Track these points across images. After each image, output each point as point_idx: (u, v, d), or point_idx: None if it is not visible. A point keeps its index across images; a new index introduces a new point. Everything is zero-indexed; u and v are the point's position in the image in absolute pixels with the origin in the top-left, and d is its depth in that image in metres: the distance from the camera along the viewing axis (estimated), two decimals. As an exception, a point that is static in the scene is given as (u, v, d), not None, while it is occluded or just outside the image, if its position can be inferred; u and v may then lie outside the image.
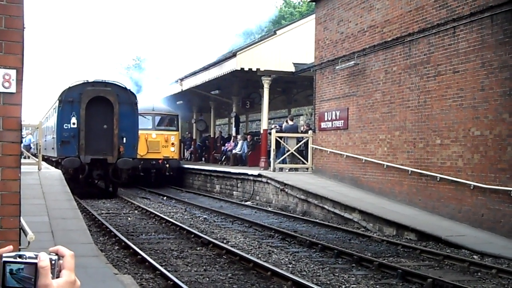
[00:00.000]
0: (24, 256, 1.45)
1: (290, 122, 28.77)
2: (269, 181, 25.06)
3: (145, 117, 33.29)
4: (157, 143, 33.82)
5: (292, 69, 28.79)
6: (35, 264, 1.45)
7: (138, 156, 31.26)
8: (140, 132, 31.11)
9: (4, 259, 1.45)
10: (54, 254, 1.50)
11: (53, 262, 1.47)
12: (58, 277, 1.48)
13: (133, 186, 32.89)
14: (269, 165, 27.20)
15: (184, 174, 36.09)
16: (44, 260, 1.45)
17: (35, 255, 1.46)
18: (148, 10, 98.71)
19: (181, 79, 39.42)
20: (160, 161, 33.51)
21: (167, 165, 33.62)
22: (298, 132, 28.69)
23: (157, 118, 34.94)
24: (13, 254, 1.45)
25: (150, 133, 33.73)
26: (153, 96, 40.31)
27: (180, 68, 40.37)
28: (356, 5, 23.08)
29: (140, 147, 31.87)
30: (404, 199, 19.70)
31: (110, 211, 22.25)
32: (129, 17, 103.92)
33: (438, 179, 18.12)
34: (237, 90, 35.99)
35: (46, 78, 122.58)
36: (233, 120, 41.10)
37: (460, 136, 17.36)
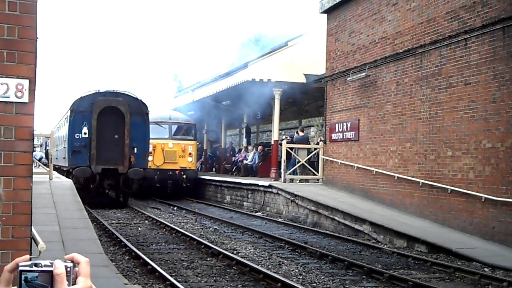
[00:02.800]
0: (40, 264, 1.46)
1: (301, 133, 28.74)
2: (279, 192, 25.04)
3: (161, 126, 32.86)
4: (174, 153, 32.87)
5: (303, 80, 28.79)
6: (51, 272, 1.46)
7: (154, 167, 31.14)
8: (156, 141, 31.27)
9: (20, 268, 1.46)
10: (69, 261, 1.51)
11: (68, 269, 1.49)
12: (74, 284, 1.49)
13: (149, 198, 32.44)
14: (280, 176, 27.17)
15: (201, 185, 35.23)
16: (59, 267, 1.46)
17: (50, 263, 1.47)
18: (160, 21, 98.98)
19: (193, 89, 39.44)
20: (177, 171, 32.58)
21: (184, 176, 32.64)
22: (308, 143, 28.65)
23: (174, 127, 33.95)
24: (29, 262, 1.47)
25: (167, 142, 32.91)
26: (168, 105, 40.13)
27: (193, 77, 40.45)
28: (367, 16, 23.10)
29: (157, 157, 32.05)
30: (415, 211, 19.64)
31: (121, 221, 22.28)
32: (141, 26, 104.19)
33: (449, 191, 18.06)
34: (248, 100, 35.93)
35: (58, 88, 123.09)
36: (244, 131, 41.10)
37: (471, 148, 17.31)
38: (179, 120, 34.89)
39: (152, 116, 31.90)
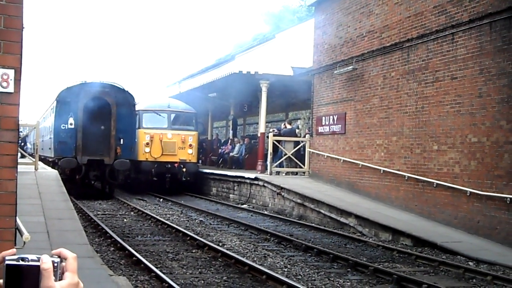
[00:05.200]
0: (27, 259, 1.45)
1: (288, 126, 28.73)
2: (265, 184, 25.05)
3: (159, 115, 30.98)
4: (173, 144, 30.42)
5: (291, 72, 28.75)
6: (38, 266, 1.45)
7: (151, 159, 29.96)
8: (154, 131, 30.25)
9: (6, 262, 1.45)
10: (56, 256, 1.50)
11: (55, 264, 1.47)
12: (61, 279, 1.48)
13: (146, 193, 30.44)
14: (266, 169, 27.19)
15: (201, 180, 32.71)
16: (46, 262, 1.45)
17: (37, 257, 1.46)
18: (149, 11, 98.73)
19: (180, 81, 39.28)
20: (176, 164, 30.16)
21: (184, 169, 30.23)
22: (296, 136, 28.66)
23: (173, 116, 31.51)
24: (15, 257, 1.45)
25: (166, 133, 30.50)
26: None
27: (179, 69, 40.16)
28: (355, 10, 23.11)
29: (154, 149, 30.22)
30: (401, 205, 19.71)
31: (106, 212, 22.21)
32: (127, 16, 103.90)
33: (434, 185, 18.13)
34: (235, 93, 35.80)
35: (45, 78, 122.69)
36: (230, 123, 41.03)
37: (457, 143, 17.38)
38: (179, 108, 32.26)
39: (149, 104, 31.49)
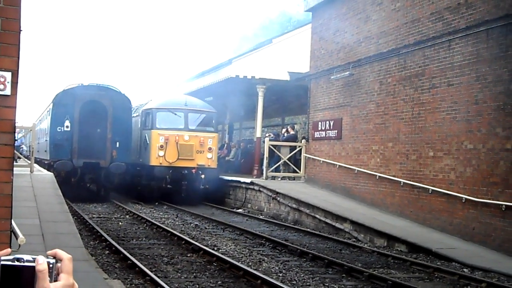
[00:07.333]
0: (22, 259, 1.45)
1: (292, 131, 28.70)
2: (261, 189, 25.04)
3: (175, 114, 28.09)
4: (191, 147, 27.46)
5: (287, 77, 28.77)
6: (33, 267, 1.44)
7: (166, 164, 27.22)
8: (169, 132, 27.48)
9: (1, 262, 1.44)
10: (52, 257, 1.50)
11: (51, 265, 1.47)
12: (56, 280, 1.48)
13: (159, 202, 27.93)
14: (262, 173, 27.17)
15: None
16: (42, 263, 1.44)
17: (32, 258, 1.46)
18: (146, 15, 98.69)
19: (177, 85, 39.25)
20: (193, 170, 27.22)
21: (202, 176, 27.25)
22: (296, 141, 28.50)
23: (191, 116, 28.39)
24: (11, 257, 1.45)
25: (182, 134, 27.53)
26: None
27: (176, 74, 39.93)
28: (352, 15, 23.14)
29: (169, 152, 27.26)
30: (396, 211, 19.72)
31: (102, 215, 22.18)
32: (125, 20, 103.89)
33: (430, 191, 18.15)
34: (231, 97, 35.74)
35: (41, 80, 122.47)
36: (226, 127, 40.99)
37: (453, 149, 17.40)
38: (197, 107, 29.06)
39: (164, 102, 29.27)
